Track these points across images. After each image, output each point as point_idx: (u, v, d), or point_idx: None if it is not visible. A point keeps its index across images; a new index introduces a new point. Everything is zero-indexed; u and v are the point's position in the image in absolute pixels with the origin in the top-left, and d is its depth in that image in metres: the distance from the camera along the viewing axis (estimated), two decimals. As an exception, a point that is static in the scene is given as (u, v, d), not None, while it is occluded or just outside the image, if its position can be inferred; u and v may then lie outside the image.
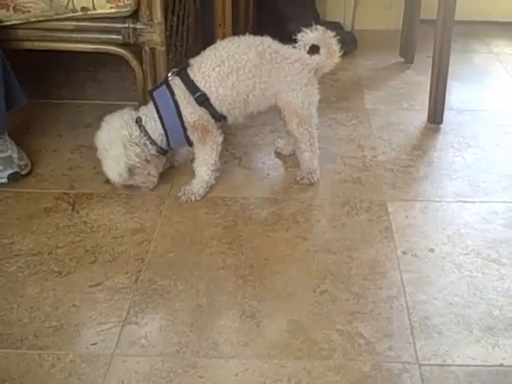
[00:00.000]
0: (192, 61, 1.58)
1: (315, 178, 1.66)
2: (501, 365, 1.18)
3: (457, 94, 2.11)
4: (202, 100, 1.55)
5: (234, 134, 1.89)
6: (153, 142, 1.58)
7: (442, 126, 1.94)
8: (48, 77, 2.17)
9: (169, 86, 1.56)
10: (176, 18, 1.93)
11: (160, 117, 1.56)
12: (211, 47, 1.59)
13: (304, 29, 1.59)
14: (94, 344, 1.21)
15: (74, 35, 1.70)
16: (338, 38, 1.61)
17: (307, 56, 1.60)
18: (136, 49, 1.72)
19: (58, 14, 1.66)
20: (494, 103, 2.09)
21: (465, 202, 1.61)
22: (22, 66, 1.78)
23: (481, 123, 1.97)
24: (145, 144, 1.57)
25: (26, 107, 1.71)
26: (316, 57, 1.61)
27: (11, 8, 1.64)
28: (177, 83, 1.55)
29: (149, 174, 1.60)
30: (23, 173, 1.68)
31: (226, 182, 1.68)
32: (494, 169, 1.74)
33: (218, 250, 1.45)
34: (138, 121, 1.57)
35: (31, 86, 1.83)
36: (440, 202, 1.61)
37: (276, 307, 1.30)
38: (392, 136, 1.89)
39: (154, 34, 1.68)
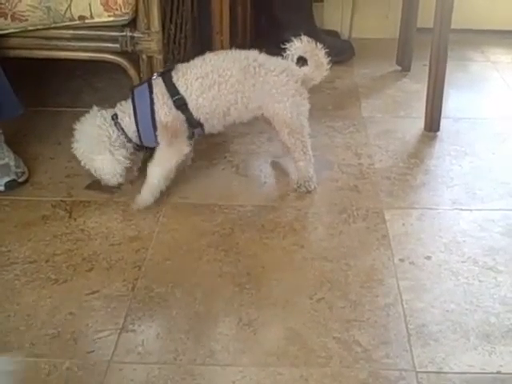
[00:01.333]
0: (179, 66, 1.60)
1: (312, 186, 1.67)
2: (498, 372, 1.18)
3: (453, 102, 2.12)
4: (180, 104, 1.56)
5: (231, 142, 1.89)
6: (129, 140, 1.60)
7: (438, 133, 1.95)
8: (45, 84, 2.17)
9: (150, 85, 1.57)
10: (174, 27, 1.93)
11: (135, 113, 1.57)
12: (200, 57, 1.61)
13: (293, 39, 1.59)
14: (91, 352, 1.21)
15: (72, 43, 1.71)
16: (326, 49, 1.60)
17: (294, 67, 1.61)
18: (133, 57, 1.73)
19: (55, 23, 1.66)
20: (491, 111, 2.10)
21: (461, 209, 1.61)
22: (20, 74, 1.79)
23: (477, 131, 1.98)
24: (124, 143, 1.59)
25: (23, 115, 1.71)
26: (304, 68, 1.61)
27: (9, 16, 1.64)
28: (158, 83, 1.57)
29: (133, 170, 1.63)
30: (20, 180, 1.68)
31: (223, 190, 1.68)
32: (490, 177, 1.75)
33: (214, 257, 1.45)
34: (114, 118, 1.59)
35: (29, 93, 1.83)
36: (437, 209, 1.62)
37: (273, 315, 1.30)
38: (389, 144, 1.90)
39: (151, 43, 1.68)
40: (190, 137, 1.62)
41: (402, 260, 1.44)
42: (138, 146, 1.62)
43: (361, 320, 1.28)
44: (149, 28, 1.67)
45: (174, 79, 1.56)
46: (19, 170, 1.68)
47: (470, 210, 1.61)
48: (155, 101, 1.56)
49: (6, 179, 1.65)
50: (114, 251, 1.47)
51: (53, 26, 1.67)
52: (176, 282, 1.38)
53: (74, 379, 1.15)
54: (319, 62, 1.61)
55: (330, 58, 1.61)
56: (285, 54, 1.61)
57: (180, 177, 1.71)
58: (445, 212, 1.61)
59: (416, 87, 2.21)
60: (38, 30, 1.68)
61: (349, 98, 2.18)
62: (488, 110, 2.11)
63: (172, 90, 1.56)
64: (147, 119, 1.57)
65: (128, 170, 1.62)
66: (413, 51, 2.31)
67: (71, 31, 1.69)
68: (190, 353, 1.21)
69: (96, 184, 1.65)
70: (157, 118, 1.56)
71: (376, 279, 1.39)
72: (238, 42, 2.29)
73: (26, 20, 1.65)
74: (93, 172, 1.61)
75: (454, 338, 1.24)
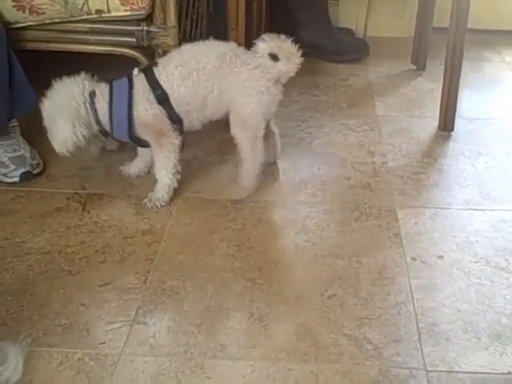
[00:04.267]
0: (160, 61, 1.60)
1: (244, 195, 1.62)
2: (508, 373, 1.17)
3: (468, 102, 2.11)
4: (162, 98, 1.55)
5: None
6: (98, 122, 1.58)
7: (452, 133, 1.94)
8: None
9: (130, 80, 1.57)
10: (189, 22, 1.94)
11: (111, 105, 1.56)
12: (177, 49, 1.62)
13: (255, 41, 1.57)
14: (103, 343, 1.22)
15: (89, 37, 1.72)
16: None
17: (269, 64, 1.57)
18: (149, 51, 1.74)
19: (72, 16, 1.68)
20: (506, 112, 2.09)
21: (475, 209, 1.61)
22: (36, 66, 1.80)
23: (492, 132, 1.97)
24: (90, 123, 1.57)
25: (39, 108, 1.72)
26: (278, 64, 1.58)
27: (27, 9, 1.65)
28: (140, 79, 1.57)
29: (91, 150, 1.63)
30: (35, 172, 1.69)
31: (236, 185, 1.68)
32: (504, 177, 1.74)
33: (226, 252, 1.45)
34: (92, 95, 1.57)
35: (44, 86, 1.84)
36: (450, 209, 1.61)
37: (284, 310, 1.30)
38: (402, 143, 1.90)
39: (167, 37, 1.69)
40: (179, 130, 1.60)
41: (413, 259, 1.44)
42: (104, 130, 1.60)
43: (372, 318, 1.28)
44: (165, 23, 1.68)
45: (156, 74, 1.56)
46: (34, 162, 1.69)
47: (483, 210, 1.61)
48: (135, 97, 1.55)
49: (22, 170, 1.66)
50: (127, 244, 1.47)
51: (70, 19, 1.68)
52: (188, 275, 1.38)
53: (85, 370, 1.16)
54: (289, 53, 1.57)
55: (298, 48, 1.57)
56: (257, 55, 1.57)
57: (193, 172, 1.72)
58: (458, 212, 1.60)
59: (431, 86, 2.20)
60: (55, 23, 1.69)
61: (363, 96, 2.18)
62: (503, 111, 2.10)
63: (154, 85, 1.55)
64: (123, 114, 1.55)
65: (83, 149, 1.60)
66: (428, 50, 2.30)
67: (88, 25, 1.70)
68: (201, 346, 1.21)
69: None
70: (135, 115, 1.55)
71: (387, 277, 1.39)
72: (252, 38, 2.29)
73: (44, 13, 1.66)
74: (48, 131, 1.58)
75: (465, 337, 1.24)
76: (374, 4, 2.63)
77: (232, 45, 1.61)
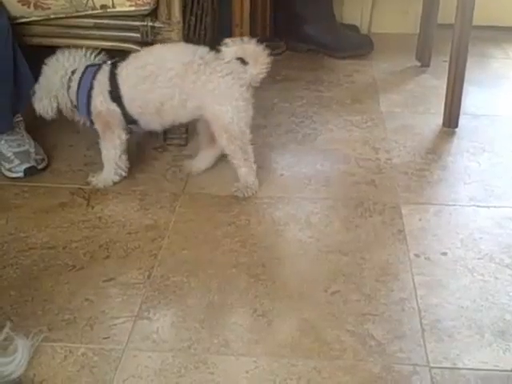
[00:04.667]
0: (130, 56, 1.61)
1: (250, 193, 1.61)
2: (512, 369, 1.18)
3: (473, 99, 2.10)
4: (115, 96, 1.57)
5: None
6: (69, 99, 1.63)
7: (457, 130, 1.94)
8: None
9: (98, 70, 1.60)
10: (194, 18, 1.94)
11: (79, 85, 1.60)
12: (148, 49, 1.62)
13: (218, 47, 1.55)
14: (107, 338, 1.22)
15: (93, 32, 1.72)
16: (263, 44, 1.54)
17: (241, 70, 1.55)
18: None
19: (77, 11, 1.68)
20: (510, 109, 2.08)
21: (479, 206, 1.61)
22: (40, 61, 1.80)
23: (496, 128, 1.97)
24: (68, 97, 1.62)
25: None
26: (248, 68, 1.55)
27: (32, 5, 1.65)
28: (105, 70, 1.59)
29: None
30: (40, 167, 1.69)
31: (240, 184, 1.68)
32: (508, 174, 1.74)
33: (230, 248, 1.46)
34: (73, 73, 1.62)
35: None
36: (454, 206, 1.61)
37: (287, 306, 1.30)
38: (407, 139, 1.89)
39: (172, 33, 1.69)
40: (128, 130, 1.63)
41: (417, 255, 1.44)
42: (75, 106, 1.64)
43: (375, 314, 1.28)
44: (170, 18, 1.68)
45: (118, 70, 1.57)
46: (39, 157, 1.70)
47: (488, 207, 1.60)
48: (95, 87, 1.58)
49: (26, 165, 1.67)
50: (131, 239, 1.48)
51: (75, 14, 1.68)
52: (191, 271, 1.39)
53: (89, 364, 1.17)
54: (255, 55, 1.54)
55: (265, 47, 1.54)
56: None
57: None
58: (462, 208, 1.60)
59: (435, 83, 2.20)
60: (60, 18, 1.69)
61: (367, 92, 2.17)
62: (507, 108, 2.09)
63: (112, 82, 1.57)
64: (83, 99, 1.60)
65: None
66: (433, 47, 2.29)
67: (93, 20, 1.70)
68: (204, 342, 1.22)
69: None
70: (92, 104, 1.59)
71: (391, 274, 1.39)
72: (256, 34, 2.29)
73: (49, 8, 1.66)
74: (33, 95, 1.64)
75: (468, 334, 1.24)
76: (378, 0, 2.62)
77: (203, 50, 1.58)
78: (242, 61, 1.56)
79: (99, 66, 1.60)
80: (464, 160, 1.80)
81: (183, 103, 1.56)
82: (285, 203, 1.61)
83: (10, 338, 1.17)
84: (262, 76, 1.56)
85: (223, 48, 1.53)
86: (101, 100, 1.58)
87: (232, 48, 1.53)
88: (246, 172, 1.61)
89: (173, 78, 1.53)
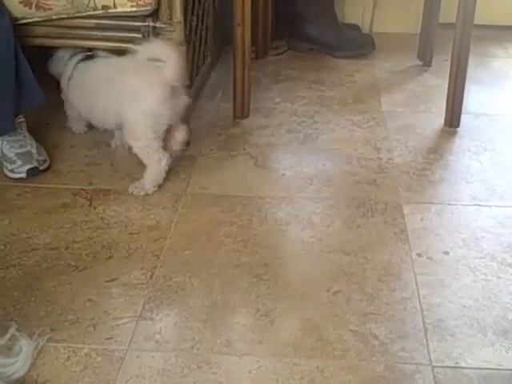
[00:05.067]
0: (100, 53, 1.76)
1: (141, 193, 1.61)
2: (514, 369, 1.17)
3: (474, 98, 2.10)
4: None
5: (250, 134, 1.90)
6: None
7: (458, 129, 1.94)
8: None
9: (72, 56, 1.76)
10: (195, 18, 1.94)
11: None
12: (108, 59, 1.74)
13: (133, 48, 1.59)
14: (110, 338, 1.22)
15: (95, 33, 1.72)
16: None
17: (157, 73, 1.55)
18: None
19: (79, 12, 1.68)
20: (512, 108, 2.09)
21: (481, 205, 1.61)
22: (42, 62, 1.80)
23: (498, 127, 1.96)
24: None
25: (45, 103, 1.73)
26: (163, 71, 1.55)
27: (34, 5, 1.65)
28: (74, 60, 1.75)
29: None
30: (42, 168, 1.69)
31: (242, 181, 1.69)
32: (510, 173, 1.74)
33: (232, 248, 1.46)
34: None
35: (51, 82, 1.85)
36: (456, 205, 1.61)
37: (290, 306, 1.30)
38: (408, 139, 1.89)
39: (173, 33, 1.69)
40: None
41: (419, 255, 1.44)
42: None
43: (377, 313, 1.28)
44: (171, 18, 1.68)
45: (80, 65, 1.73)
46: (41, 158, 1.70)
47: (490, 206, 1.60)
48: (63, 75, 1.77)
49: (28, 166, 1.67)
50: (133, 240, 1.48)
51: (76, 15, 1.68)
52: (194, 271, 1.39)
53: (92, 365, 1.17)
54: (166, 56, 1.54)
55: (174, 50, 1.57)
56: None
57: (199, 168, 1.72)
58: (464, 208, 1.60)
59: (437, 82, 2.20)
60: (61, 19, 1.69)
61: (369, 91, 2.17)
62: (509, 107, 2.09)
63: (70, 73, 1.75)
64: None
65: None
66: (434, 46, 2.29)
67: (94, 21, 1.70)
68: (207, 342, 1.22)
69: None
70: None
71: (393, 273, 1.39)
72: (258, 33, 2.29)
73: (50, 9, 1.66)
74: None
75: (471, 333, 1.24)
76: (380, 0, 2.62)
77: (124, 60, 1.67)
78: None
79: (79, 55, 1.75)
80: (466, 159, 1.80)
81: (105, 110, 1.66)
82: (286, 203, 1.61)
83: (14, 338, 1.17)
84: (177, 77, 1.56)
85: (135, 48, 1.58)
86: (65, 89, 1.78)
87: (143, 49, 1.57)
88: (149, 176, 1.62)
89: (97, 88, 1.67)
